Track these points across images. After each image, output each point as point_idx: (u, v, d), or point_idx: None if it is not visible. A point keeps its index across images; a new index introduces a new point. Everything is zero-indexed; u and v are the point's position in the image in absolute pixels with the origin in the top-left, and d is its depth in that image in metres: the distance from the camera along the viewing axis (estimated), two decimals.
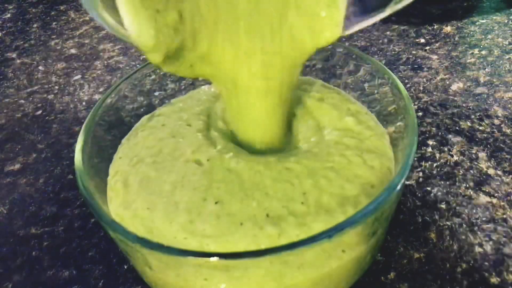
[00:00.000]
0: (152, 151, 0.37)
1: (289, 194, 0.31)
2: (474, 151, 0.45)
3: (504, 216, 0.39)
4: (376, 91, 0.40)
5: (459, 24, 0.65)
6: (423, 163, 0.44)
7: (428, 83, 0.54)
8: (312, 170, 0.33)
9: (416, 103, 0.52)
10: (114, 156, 0.38)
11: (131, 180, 0.35)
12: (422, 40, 0.62)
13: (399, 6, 0.29)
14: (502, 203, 0.40)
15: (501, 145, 0.45)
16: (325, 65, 0.45)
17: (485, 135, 0.46)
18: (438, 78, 0.55)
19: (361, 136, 0.36)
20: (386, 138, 0.37)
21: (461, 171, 0.43)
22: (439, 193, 0.41)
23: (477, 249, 0.36)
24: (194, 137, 0.37)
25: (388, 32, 0.65)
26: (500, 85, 0.53)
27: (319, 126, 0.38)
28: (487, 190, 0.41)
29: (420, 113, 0.50)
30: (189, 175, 0.34)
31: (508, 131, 0.47)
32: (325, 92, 0.41)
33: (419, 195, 0.41)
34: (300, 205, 0.31)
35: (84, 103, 0.59)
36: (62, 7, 0.84)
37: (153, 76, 0.45)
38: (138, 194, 0.34)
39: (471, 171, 0.43)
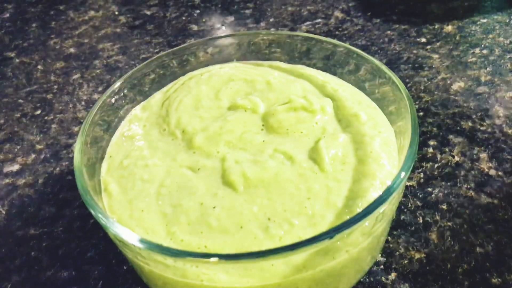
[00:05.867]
0: (142, 154, 0.37)
1: (294, 199, 0.31)
2: (475, 152, 0.45)
3: (506, 217, 0.38)
4: (376, 91, 0.40)
5: (460, 24, 0.64)
6: (424, 164, 0.44)
7: (429, 82, 0.54)
8: (324, 175, 0.33)
9: (417, 102, 0.51)
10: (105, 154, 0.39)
11: (123, 182, 0.35)
12: (423, 40, 0.62)
13: None
14: (503, 204, 0.39)
15: (503, 145, 0.45)
16: (326, 64, 0.45)
17: (486, 135, 0.46)
18: (439, 77, 0.55)
19: (371, 132, 0.36)
20: (392, 132, 0.37)
21: (462, 172, 0.43)
22: (440, 194, 0.41)
23: (478, 249, 0.36)
24: (176, 144, 0.37)
25: (389, 32, 0.64)
26: (501, 85, 0.52)
27: (338, 118, 0.38)
28: (488, 191, 0.41)
29: (421, 113, 0.50)
30: (185, 181, 0.34)
31: (510, 131, 0.46)
32: (338, 83, 0.42)
33: (420, 195, 0.41)
34: (303, 208, 0.31)
35: (83, 103, 0.58)
36: (61, 7, 0.84)
37: (152, 76, 0.44)
38: (132, 195, 0.34)
39: (472, 172, 0.43)
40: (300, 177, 0.33)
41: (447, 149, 0.45)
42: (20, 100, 0.60)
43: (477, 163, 0.43)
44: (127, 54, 0.67)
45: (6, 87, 0.64)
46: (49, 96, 0.61)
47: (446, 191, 0.41)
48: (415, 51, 0.60)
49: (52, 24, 0.79)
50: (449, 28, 0.64)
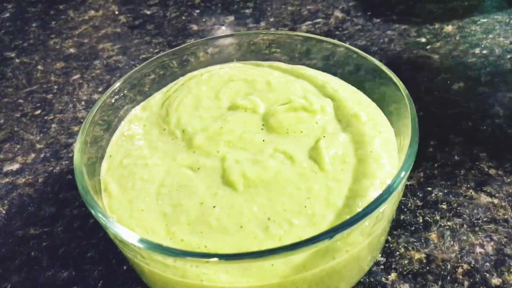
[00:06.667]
0: (142, 153, 0.37)
1: (294, 199, 0.31)
2: (475, 151, 0.45)
3: (506, 216, 0.38)
4: (376, 91, 0.40)
5: (460, 24, 0.64)
6: (424, 163, 0.44)
7: (429, 82, 0.54)
8: (324, 174, 0.33)
9: (417, 102, 0.51)
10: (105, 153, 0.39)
11: (123, 181, 0.35)
12: (423, 40, 0.62)
13: None
14: (503, 204, 0.39)
15: (502, 145, 0.45)
16: (326, 64, 0.45)
17: (486, 135, 0.46)
18: (439, 77, 0.55)
19: (371, 132, 0.36)
20: (392, 132, 0.37)
21: (462, 171, 0.43)
22: (440, 193, 0.41)
23: (478, 249, 0.36)
24: (176, 143, 0.37)
25: (389, 32, 0.64)
26: (501, 85, 0.52)
27: (338, 118, 0.38)
28: (488, 191, 0.41)
29: (421, 113, 0.50)
30: (185, 181, 0.34)
31: (509, 131, 0.46)
32: (338, 84, 0.42)
33: (420, 195, 0.41)
34: (303, 208, 0.31)
35: (83, 103, 0.58)
36: (61, 6, 0.84)
37: (152, 76, 0.44)
38: (132, 195, 0.34)
39: (472, 171, 0.43)
40: (300, 176, 0.33)
41: (447, 149, 0.45)
42: (20, 100, 0.61)
43: (477, 163, 0.43)
44: (127, 54, 0.67)
45: (6, 87, 0.64)
46: (49, 96, 0.61)
47: (446, 191, 0.41)
48: (415, 51, 0.60)
49: (52, 24, 0.79)
50: (449, 28, 0.64)
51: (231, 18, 0.74)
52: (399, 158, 0.35)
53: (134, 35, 0.72)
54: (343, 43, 0.42)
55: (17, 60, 0.70)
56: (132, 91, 0.43)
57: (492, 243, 0.37)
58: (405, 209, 0.40)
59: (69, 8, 0.83)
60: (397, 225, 0.39)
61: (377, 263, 0.36)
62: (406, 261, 0.36)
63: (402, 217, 0.39)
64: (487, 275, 0.35)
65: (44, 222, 0.43)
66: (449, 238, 0.37)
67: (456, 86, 0.53)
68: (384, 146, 0.36)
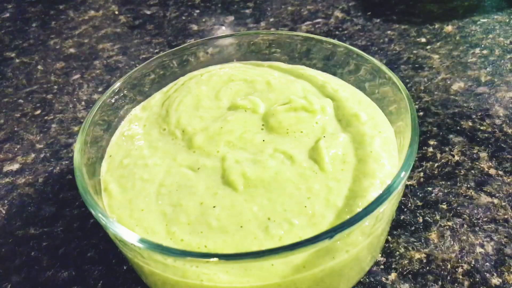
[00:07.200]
0: (142, 153, 0.37)
1: (294, 199, 0.31)
2: (475, 151, 0.45)
3: (506, 216, 0.38)
4: (376, 91, 0.40)
5: (460, 24, 0.64)
6: (424, 163, 0.44)
7: (429, 82, 0.54)
8: (324, 174, 0.33)
9: (417, 102, 0.51)
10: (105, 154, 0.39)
11: (123, 181, 0.35)
12: (423, 40, 0.62)
13: None
14: (503, 203, 0.39)
15: (503, 145, 0.45)
16: (326, 65, 0.45)
17: (486, 135, 0.46)
18: (439, 77, 0.55)
19: (371, 132, 0.36)
20: (392, 132, 0.37)
21: (462, 171, 0.43)
22: (440, 193, 0.41)
23: (478, 249, 0.36)
24: (176, 143, 0.37)
25: (389, 32, 0.64)
26: (501, 85, 0.52)
27: (338, 118, 0.38)
28: (488, 190, 0.41)
29: (421, 113, 0.50)
30: (185, 181, 0.34)
31: (510, 131, 0.46)
32: (338, 84, 0.42)
33: (420, 195, 0.41)
34: (303, 208, 0.31)
35: (83, 103, 0.58)
36: (61, 6, 0.84)
37: (152, 76, 0.44)
38: (132, 195, 0.34)
39: (472, 171, 0.43)
40: (300, 176, 0.33)
41: (447, 149, 0.45)
42: (20, 100, 0.61)
43: (477, 163, 0.43)
44: (127, 54, 0.67)
45: (6, 87, 0.64)
46: (49, 96, 0.61)
47: (446, 191, 0.41)
48: (415, 51, 0.60)
49: (52, 24, 0.79)
50: (449, 28, 0.64)
51: (231, 18, 0.74)
52: (399, 158, 0.35)
53: (134, 35, 0.72)
54: (343, 43, 0.42)
55: (17, 60, 0.70)
56: (132, 91, 0.43)
57: (492, 243, 0.37)
58: (405, 209, 0.40)
59: (69, 8, 0.83)
60: (397, 225, 0.39)
61: (377, 263, 0.36)
62: (406, 261, 0.36)
63: (402, 217, 0.39)
64: (487, 275, 0.35)
65: (44, 222, 0.43)
66: (449, 238, 0.37)
67: (456, 86, 0.53)
68: (384, 146, 0.36)
